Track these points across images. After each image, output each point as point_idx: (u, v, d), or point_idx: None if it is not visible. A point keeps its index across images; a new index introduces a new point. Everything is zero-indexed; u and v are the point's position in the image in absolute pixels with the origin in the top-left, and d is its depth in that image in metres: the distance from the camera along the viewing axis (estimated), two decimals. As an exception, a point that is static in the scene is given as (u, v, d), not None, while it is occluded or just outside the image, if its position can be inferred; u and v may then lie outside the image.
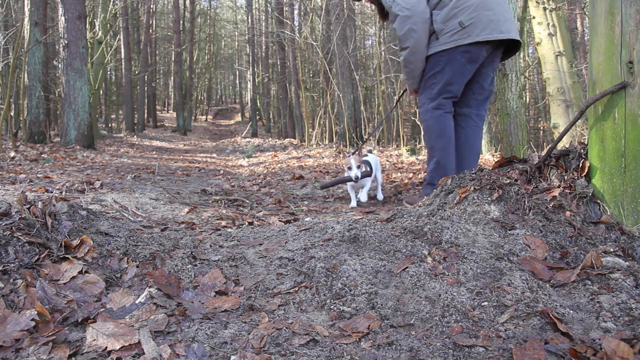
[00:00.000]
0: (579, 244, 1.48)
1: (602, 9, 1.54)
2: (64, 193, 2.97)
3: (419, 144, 7.94)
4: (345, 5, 11.12)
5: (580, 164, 1.67)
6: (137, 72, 19.53)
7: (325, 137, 11.38)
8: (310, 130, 11.47)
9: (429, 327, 1.11)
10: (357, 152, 3.43)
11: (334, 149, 8.65)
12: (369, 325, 1.11)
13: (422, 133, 2.94)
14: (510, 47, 2.90)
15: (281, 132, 18.80)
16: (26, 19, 8.17)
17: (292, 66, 14.71)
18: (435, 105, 2.80)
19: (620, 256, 1.40)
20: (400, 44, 2.77)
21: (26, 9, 8.32)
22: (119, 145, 10.54)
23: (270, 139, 15.96)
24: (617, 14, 1.49)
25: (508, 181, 1.74)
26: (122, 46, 16.75)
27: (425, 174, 3.01)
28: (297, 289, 1.29)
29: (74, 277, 1.27)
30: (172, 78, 24.47)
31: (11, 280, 1.19)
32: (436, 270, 1.33)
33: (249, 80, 21.74)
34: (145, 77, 20.37)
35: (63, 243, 1.36)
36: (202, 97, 32.77)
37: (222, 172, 6.12)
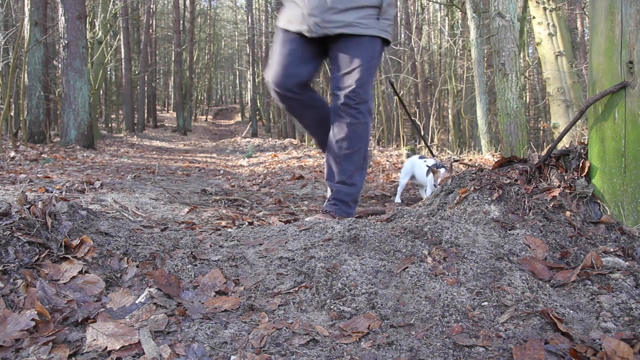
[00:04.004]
0: (579, 244, 1.48)
1: (602, 8, 1.54)
2: (64, 193, 2.97)
3: (419, 144, 7.94)
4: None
5: (580, 164, 1.67)
6: (137, 72, 19.52)
7: (325, 137, 11.35)
8: (310, 130, 11.44)
9: (429, 327, 1.11)
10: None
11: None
12: (369, 325, 1.11)
13: (351, 137, 2.30)
14: None
15: (281, 132, 18.79)
16: (26, 19, 8.17)
17: (292, 66, 14.66)
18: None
19: (620, 256, 1.40)
20: None
21: (26, 9, 8.32)
22: (119, 145, 10.54)
23: (270, 139, 15.95)
24: (617, 14, 1.49)
25: (508, 181, 1.74)
26: (122, 46, 16.74)
27: (347, 187, 2.34)
28: (297, 289, 1.29)
29: (74, 277, 1.27)
30: (172, 78, 24.46)
31: (11, 280, 1.19)
32: (436, 270, 1.33)
33: (249, 80, 21.73)
34: (145, 77, 20.37)
35: (63, 243, 1.36)
36: (202, 97, 32.77)
37: (222, 172, 6.12)
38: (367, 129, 2.34)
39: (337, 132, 2.32)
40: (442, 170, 3.01)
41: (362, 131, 2.31)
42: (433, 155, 3.26)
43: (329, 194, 2.39)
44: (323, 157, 7.45)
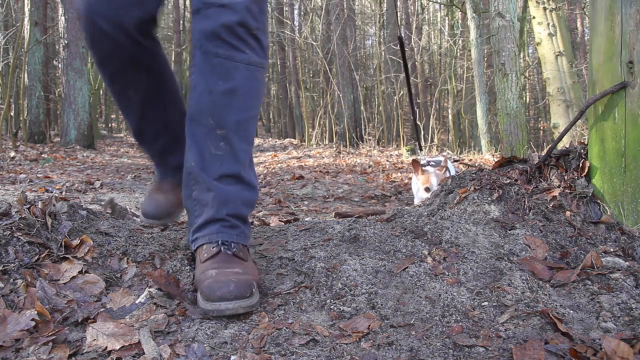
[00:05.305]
0: (579, 244, 1.48)
1: (602, 8, 1.54)
2: (64, 193, 2.97)
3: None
4: (345, 5, 11.13)
5: (580, 164, 1.67)
6: (137, 72, 19.48)
7: (325, 137, 11.39)
8: (310, 130, 11.47)
9: (429, 327, 1.11)
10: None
11: (334, 149, 8.66)
12: (369, 325, 1.11)
13: (248, 86, 1.24)
14: None
15: (281, 132, 18.80)
16: (26, 19, 8.18)
17: (292, 66, 14.72)
18: None
19: (620, 256, 1.40)
20: None
21: (26, 9, 8.33)
22: (119, 145, 10.54)
23: (270, 139, 15.96)
24: (617, 14, 1.49)
25: (508, 181, 1.74)
26: (122, 46, 16.72)
27: (246, 187, 1.33)
28: (297, 289, 1.29)
29: (74, 277, 1.27)
30: (172, 78, 24.44)
31: (11, 280, 1.19)
32: (436, 270, 1.33)
33: (249, 80, 21.64)
34: (145, 77, 20.35)
35: (63, 243, 1.36)
36: (202, 97, 32.66)
37: (222, 172, 6.10)
38: (263, 80, 1.31)
39: (214, 80, 1.21)
40: (430, 169, 2.66)
41: (262, 82, 1.30)
42: (420, 150, 3.26)
43: (192, 204, 1.33)
44: (324, 157, 7.42)
